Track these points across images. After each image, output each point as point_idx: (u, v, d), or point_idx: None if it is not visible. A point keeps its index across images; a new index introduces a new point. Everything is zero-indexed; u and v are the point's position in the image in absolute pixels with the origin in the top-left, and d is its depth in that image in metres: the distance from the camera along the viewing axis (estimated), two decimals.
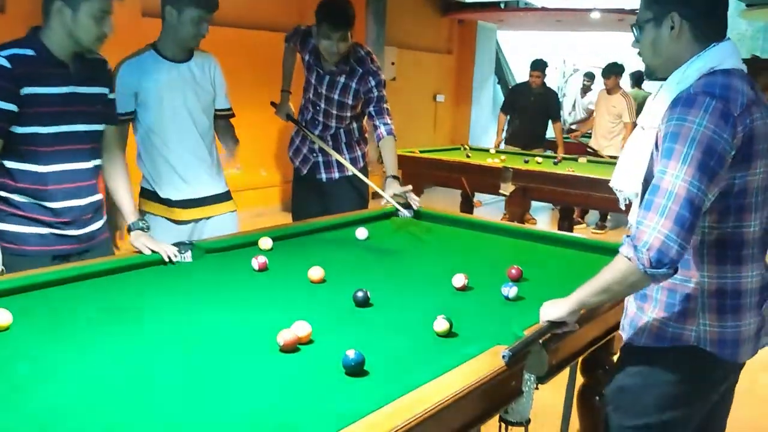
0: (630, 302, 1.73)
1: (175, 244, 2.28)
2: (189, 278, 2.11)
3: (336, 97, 3.26)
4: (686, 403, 1.66)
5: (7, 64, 2.00)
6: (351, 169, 3.18)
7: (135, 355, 1.52)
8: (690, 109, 1.46)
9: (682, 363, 1.63)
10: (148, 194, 2.80)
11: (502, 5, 8.75)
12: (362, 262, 2.43)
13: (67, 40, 2.09)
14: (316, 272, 2.09)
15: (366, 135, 3.53)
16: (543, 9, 8.88)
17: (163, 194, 2.77)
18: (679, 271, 1.52)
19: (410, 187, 2.97)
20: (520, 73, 11.54)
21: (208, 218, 2.86)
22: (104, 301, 1.86)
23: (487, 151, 6.53)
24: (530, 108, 6.81)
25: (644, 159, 1.60)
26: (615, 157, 6.51)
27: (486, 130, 10.68)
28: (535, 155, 6.10)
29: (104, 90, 2.28)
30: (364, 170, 3.45)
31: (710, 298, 1.59)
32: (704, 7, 1.59)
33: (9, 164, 2.11)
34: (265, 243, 2.44)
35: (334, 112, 3.30)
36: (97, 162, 2.30)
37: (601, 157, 6.57)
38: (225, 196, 2.92)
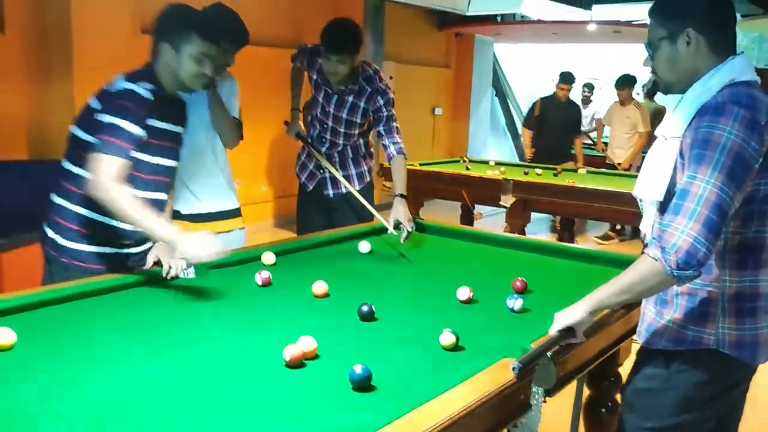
0: (648, 308, 1.76)
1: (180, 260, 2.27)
2: (192, 294, 2.10)
3: (344, 116, 3.27)
4: (704, 405, 1.68)
5: (151, 96, 2.16)
6: (351, 190, 3.15)
7: (138, 373, 1.50)
8: (720, 118, 1.50)
9: (700, 366, 1.65)
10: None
11: (499, 19, 8.80)
12: (366, 275, 2.42)
13: (171, 79, 2.23)
14: (319, 287, 2.08)
15: (371, 149, 3.54)
16: (539, 22, 8.93)
17: (177, 208, 2.77)
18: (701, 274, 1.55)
19: (412, 222, 2.91)
20: (518, 86, 11.59)
21: (217, 234, 2.85)
22: (107, 319, 1.85)
23: (487, 163, 6.53)
24: (559, 121, 6.65)
25: (667, 167, 1.62)
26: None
27: (485, 143, 10.71)
28: (570, 170, 6.04)
29: (183, 129, 2.41)
30: (370, 185, 3.47)
31: (730, 302, 1.63)
32: (719, 20, 1.63)
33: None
34: (268, 258, 2.43)
35: (342, 130, 3.31)
36: (166, 195, 2.39)
37: (617, 168, 6.57)
38: (235, 213, 2.95)
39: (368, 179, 3.47)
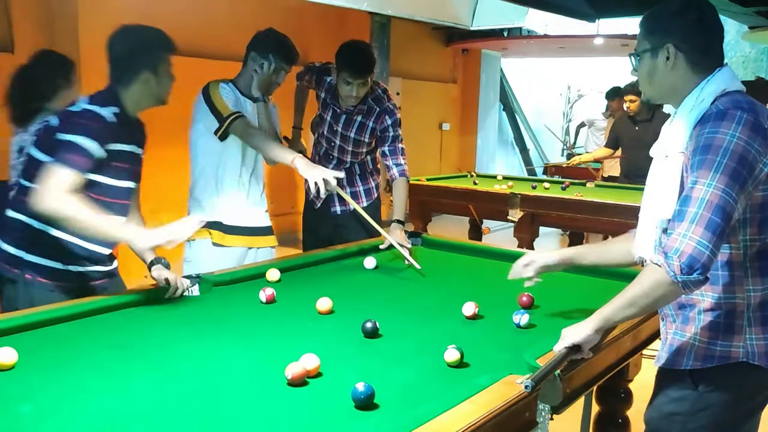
0: (670, 330, 1.70)
1: (184, 277, 2.26)
2: (196, 312, 2.09)
3: (352, 135, 3.26)
4: (738, 422, 1.64)
5: (114, 120, 2.17)
6: (357, 208, 3.14)
7: (142, 392, 1.49)
8: (722, 122, 1.50)
9: (731, 380, 1.61)
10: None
11: (505, 33, 8.81)
12: (370, 292, 2.40)
13: (147, 101, 2.28)
14: (324, 303, 2.07)
15: (379, 165, 3.54)
16: (546, 36, 8.94)
17: (216, 217, 2.84)
18: (723, 288, 1.54)
19: (408, 248, 2.84)
20: (525, 100, 11.59)
21: (250, 249, 2.94)
22: (110, 338, 1.84)
23: (494, 177, 6.51)
24: (640, 134, 5.70)
25: (673, 184, 1.59)
26: (617, 177, 6.46)
27: (492, 157, 10.69)
28: (578, 183, 5.89)
29: (141, 150, 2.40)
30: (378, 201, 3.48)
31: (755, 311, 1.59)
32: (700, 40, 1.63)
33: None
34: (273, 275, 2.42)
35: (350, 149, 3.31)
36: (125, 219, 2.38)
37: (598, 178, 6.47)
38: (269, 230, 3.02)
39: (375, 195, 3.46)
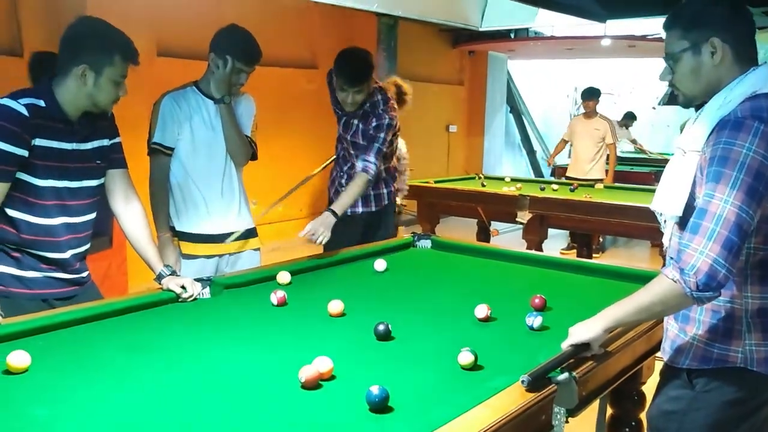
0: (671, 324, 1.72)
1: (195, 280, 2.26)
2: (208, 315, 2.09)
3: (350, 138, 3.29)
4: (732, 427, 1.63)
5: (25, 112, 1.99)
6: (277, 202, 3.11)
7: (154, 395, 1.49)
8: (738, 133, 1.47)
9: (728, 385, 1.61)
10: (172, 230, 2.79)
11: (512, 35, 8.79)
12: (382, 294, 2.39)
13: (83, 100, 2.08)
14: (335, 306, 2.06)
15: (395, 174, 3.56)
16: (552, 38, 8.91)
17: (183, 228, 2.76)
18: (722, 291, 1.52)
19: (321, 237, 2.78)
20: (532, 102, 11.57)
21: (232, 254, 2.84)
22: (123, 341, 1.84)
23: (502, 179, 6.50)
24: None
25: (686, 182, 1.59)
26: (600, 180, 6.43)
27: (500, 159, 10.67)
28: (587, 185, 5.94)
29: (103, 142, 2.23)
30: (390, 207, 3.47)
31: (754, 318, 1.59)
32: (742, 29, 1.59)
33: (12, 213, 2.07)
34: (284, 277, 2.42)
35: (352, 151, 3.33)
36: (93, 216, 2.27)
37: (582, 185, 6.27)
38: (251, 233, 2.91)
39: (387, 201, 3.46)
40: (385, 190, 3.46)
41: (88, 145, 2.17)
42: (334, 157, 3.52)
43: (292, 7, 6.39)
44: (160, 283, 2.23)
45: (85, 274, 2.28)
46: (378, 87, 3.29)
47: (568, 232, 6.86)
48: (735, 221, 1.43)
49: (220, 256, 2.82)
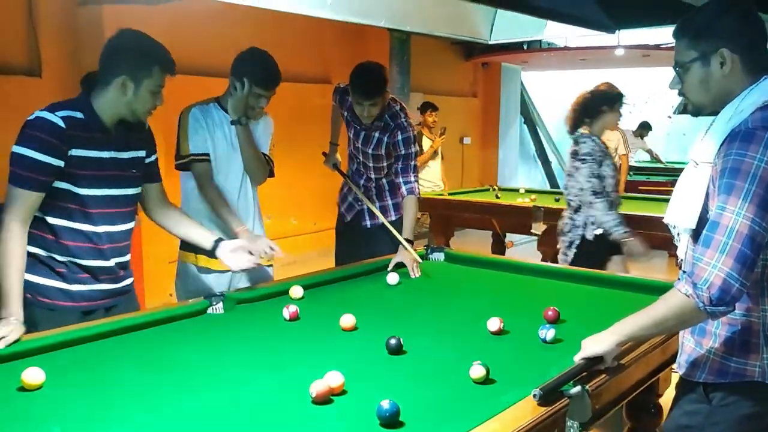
0: (686, 338, 1.69)
1: (206, 296, 2.28)
2: (221, 330, 2.09)
3: (370, 151, 3.31)
4: None
5: (61, 123, 2.05)
6: (385, 222, 3.15)
7: (167, 411, 1.49)
8: (749, 145, 1.45)
9: (745, 399, 1.58)
10: (184, 245, 2.77)
11: (525, 46, 8.80)
12: (394, 308, 2.39)
13: (121, 109, 2.15)
14: (347, 320, 2.06)
15: None
16: (566, 48, 8.90)
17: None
18: (738, 305, 1.50)
19: (418, 264, 2.86)
20: (546, 112, 11.54)
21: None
22: (136, 356, 1.86)
23: (517, 191, 6.48)
24: None
25: (698, 194, 1.57)
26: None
27: (515, 171, 10.64)
28: None
29: (140, 153, 2.31)
30: None
31: None
32: (751, 39, 1.57)
33: (55, 221, 2.13)
34: (296, 292, 2.42)
35: (371, 164, 3.35)
36: (132, 225, 2.33)
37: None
38: None
39: (401, 199, 3.46)
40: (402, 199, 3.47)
41: (125, 155, 2.24)
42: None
43: (305, 23, 6.44)
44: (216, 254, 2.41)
45: (128, 282, 2.34)
46: (392, 98, 3.32)
47: None
48: (748, 234, 1.41)
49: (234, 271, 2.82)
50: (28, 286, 2.08)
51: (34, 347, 1.83)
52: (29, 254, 2.09)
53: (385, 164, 3.35)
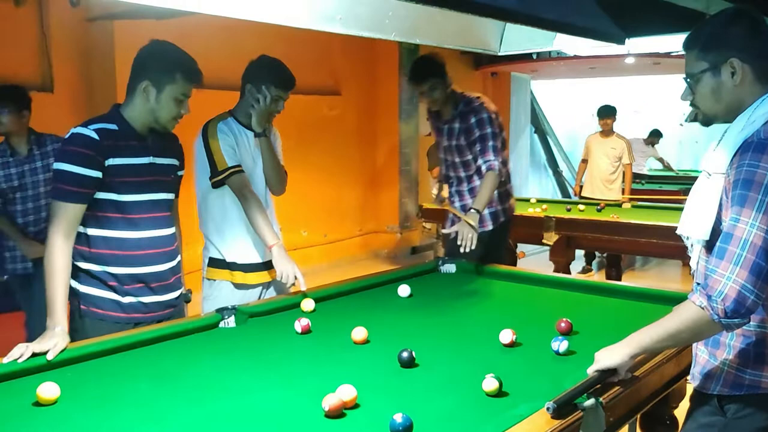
0: (700, 349, 1.68)
1: (218, 310, 2.28)
2: (232, 344, 2.10)
3: (454, 143, 3.41)
4: None
5: (95, 136, 2.12)
6: (453, 212, 3.31)
7: (181, 425, 1.50)
8: (762, 155, 1.44)
9: (761, 411, 1.56)
10: (215, 263, 2.77)
11: (535, 56, 8.80)
12: (406, 320, 2.39)
13: (147, 116, 2.20)
14: (359, 333, 2.06)
15: (510, 189, 3.65)
16: (575, 57, 8.90)
17: (230, 258, 2.74)
18: (752, 316, 1.49)
19: (471, 237, 2.91)
20: (557, 121, 11.52)
21: (272, 281, 2.81)
22: (149, 371, 1.86)
23: (528, 200, 6.46)
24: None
25: (711, 205, 1.56)
26: (617, 201, 6.23)
27: (525, 180, 10.62)
28: (614, 204, 5.87)
29: (176, 162, 2.38)
30: (508, 225, 3.63)
31: None
32: (762, 47, 1.56)
33: (97, 232, 2.18)
34: (308, 305, 2.42)
35: (458, 159, 3.43)
36: (174, 230, 2.38)
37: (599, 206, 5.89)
38: None
39: (502, 219, 3.54)
40: (499, 207, 3.50)
41: (163, 161, 2.31)
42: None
43: (314, 35, 6.48)
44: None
45: (178, 293, 2.37)
46: (471, 94, 3.45)
47: (584, 253, 6.74)
48: (762, 246, 1.40)
49: (265, 285, 2.81)
50: (81, 296, 2.18)
51: (50, 362, 1.84)
52: (81, 270, 2.18)
53: (470, 156, 3.41)
